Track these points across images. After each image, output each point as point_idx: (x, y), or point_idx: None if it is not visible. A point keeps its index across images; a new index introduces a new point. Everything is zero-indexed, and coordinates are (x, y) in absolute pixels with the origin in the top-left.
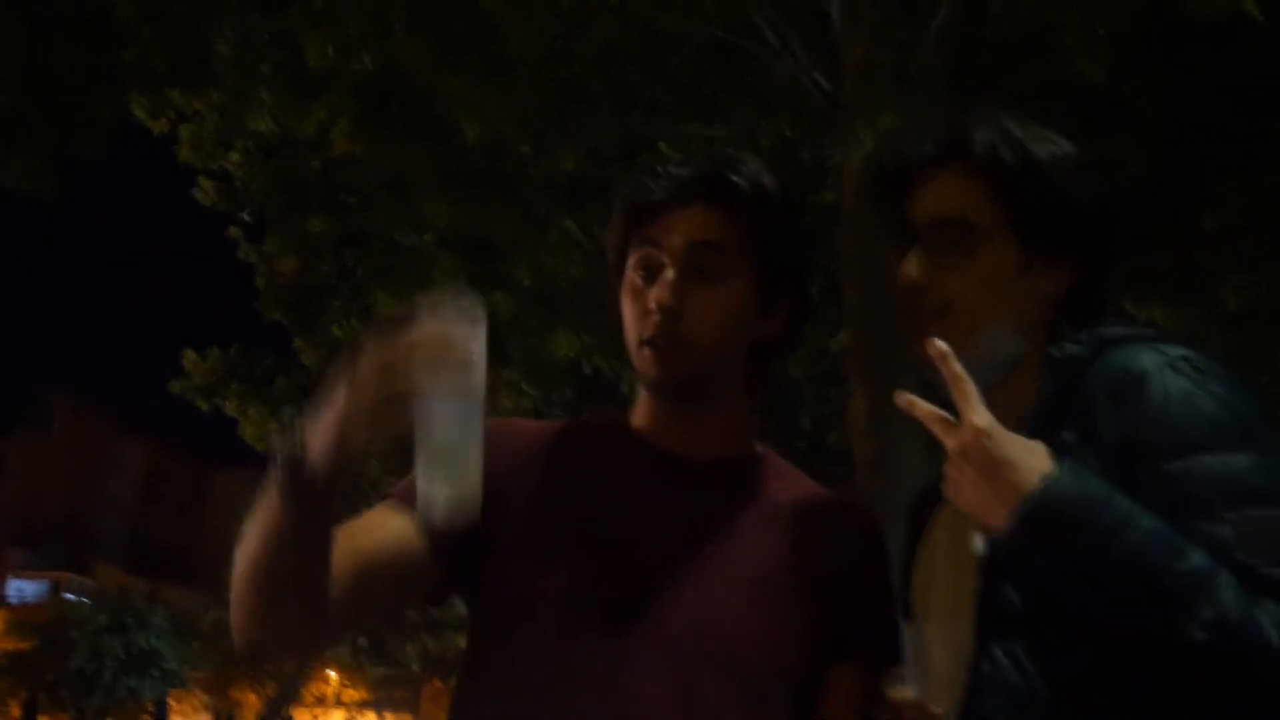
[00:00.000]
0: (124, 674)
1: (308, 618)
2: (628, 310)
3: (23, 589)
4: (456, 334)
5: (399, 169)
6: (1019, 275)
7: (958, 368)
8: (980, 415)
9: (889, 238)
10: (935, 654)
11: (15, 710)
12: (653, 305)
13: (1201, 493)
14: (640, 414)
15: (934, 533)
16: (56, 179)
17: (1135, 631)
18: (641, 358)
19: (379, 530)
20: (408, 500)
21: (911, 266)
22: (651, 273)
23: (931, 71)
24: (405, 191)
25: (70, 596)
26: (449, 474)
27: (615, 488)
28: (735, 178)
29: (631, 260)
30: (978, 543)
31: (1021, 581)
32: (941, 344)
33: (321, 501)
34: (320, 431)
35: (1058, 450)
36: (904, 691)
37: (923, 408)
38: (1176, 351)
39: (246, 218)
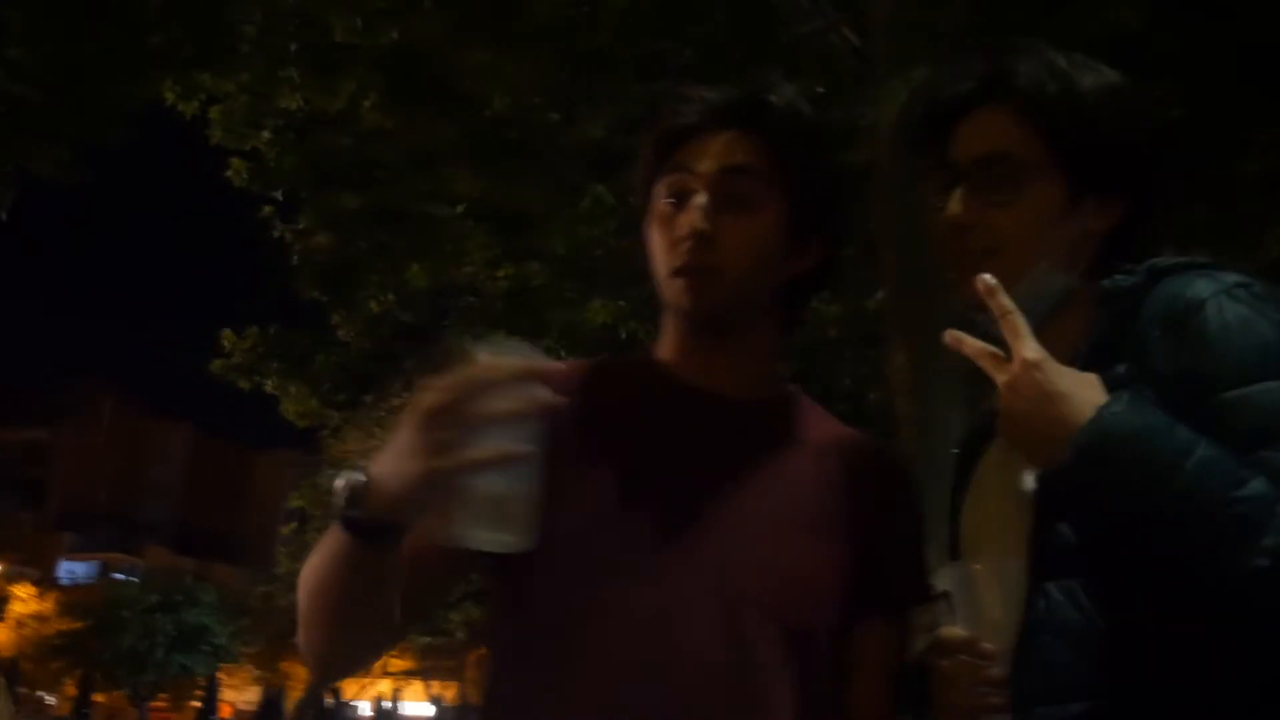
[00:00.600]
0: (175, 651)
1: (378, 641)
2: (657, 238)
3: (74, 571)
4: (512, 380)
5: (428, 142)
6: (1067, 211)
7: (1006, 301)
8: (1031, 348)
9: (929, 181)
10: (986, 594)
11: (71, 688)
12: (685, 232)
13: (1262, 420)
14: (668, 348)
15: (982, 472)
16: (87, 167)
17: (1196, 563)
18: (673, 287)
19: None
20: None
21: (956, 204)
22: (682, 199)
23: (961, 25)
24: (436, 165)
25: (120, 577)
26: (496, 523)
27: (649, 426)
28: (771, 100)
29: (660, 187)
30: (1029, 480)
31: (1076, 517)
32: (990, 278)
33: (388, 543)
34: (386, 473)
35: (1113, 384)
36: (955, 631)
37: (971, 344)
38: (1232, 278)
39: (279, 197)
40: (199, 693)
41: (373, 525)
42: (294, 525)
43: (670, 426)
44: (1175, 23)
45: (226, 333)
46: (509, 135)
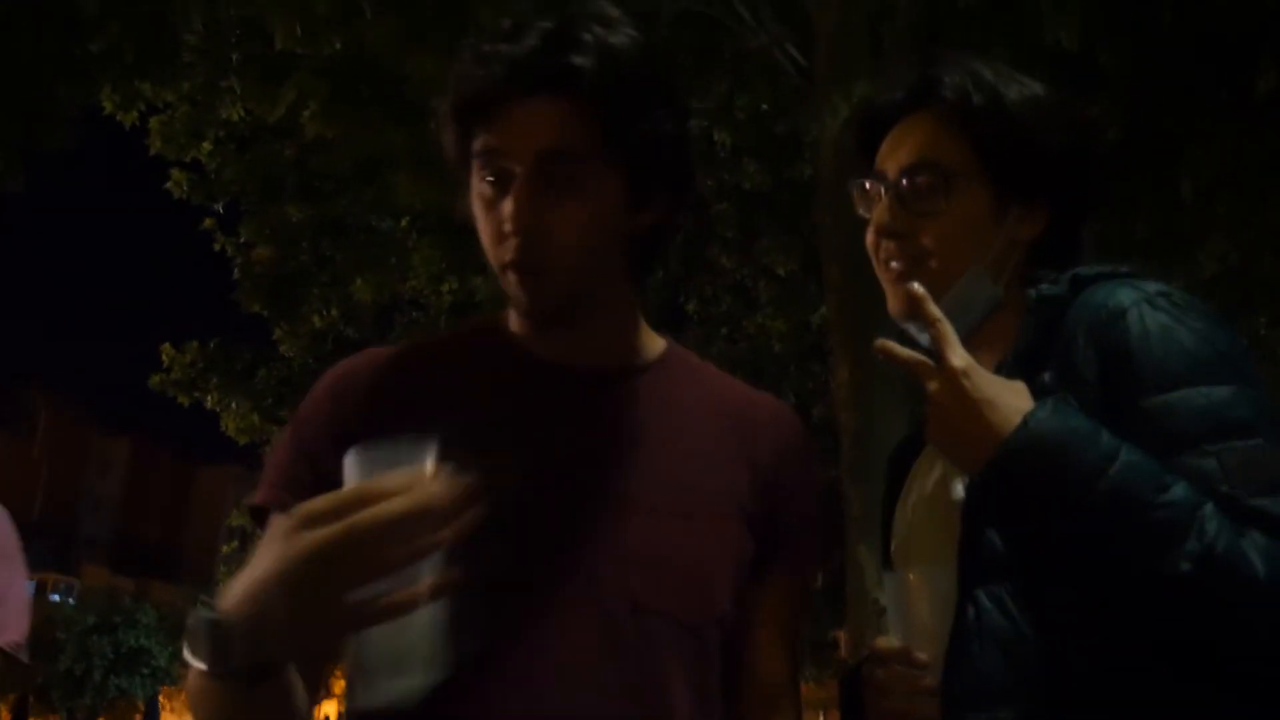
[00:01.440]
0: (113, 673)
1: None
2: (482, 225)
3: None
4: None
5: (372, 152)
6: (994, 219)
7: (935, 310)
8: (959, 356)
9: (860, 190)
10: (918, 602)
11: (4, 713)
12: (509, 226)
13: (1184, 426)
14: (520, 321)
15: (913, 482)
16: (25, 173)
17: (1120, 568)
18: (507, 282)
19: None
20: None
21: (883, 213)
22: (502, 180)
23: (904, 40)
24: (380, 176)
25: (56, 598)
26: (396, 672)
27: (503, 409)
28: (579, 59)
29: (476, 164)
30: (958, 488)
31: (1004, 524)
32: (918, 287)
33: (270, 678)
34: (253, 614)
35: (1038, 391)
36: (888, 640)
37: (900, 352)
38: (1154, 287)
39: (220, 209)
40: (138, 717)
41: (248, 671)
42: (235, 544)
43: (525, 407)
44: (1112, 42)
45: (165, 347)
46: None
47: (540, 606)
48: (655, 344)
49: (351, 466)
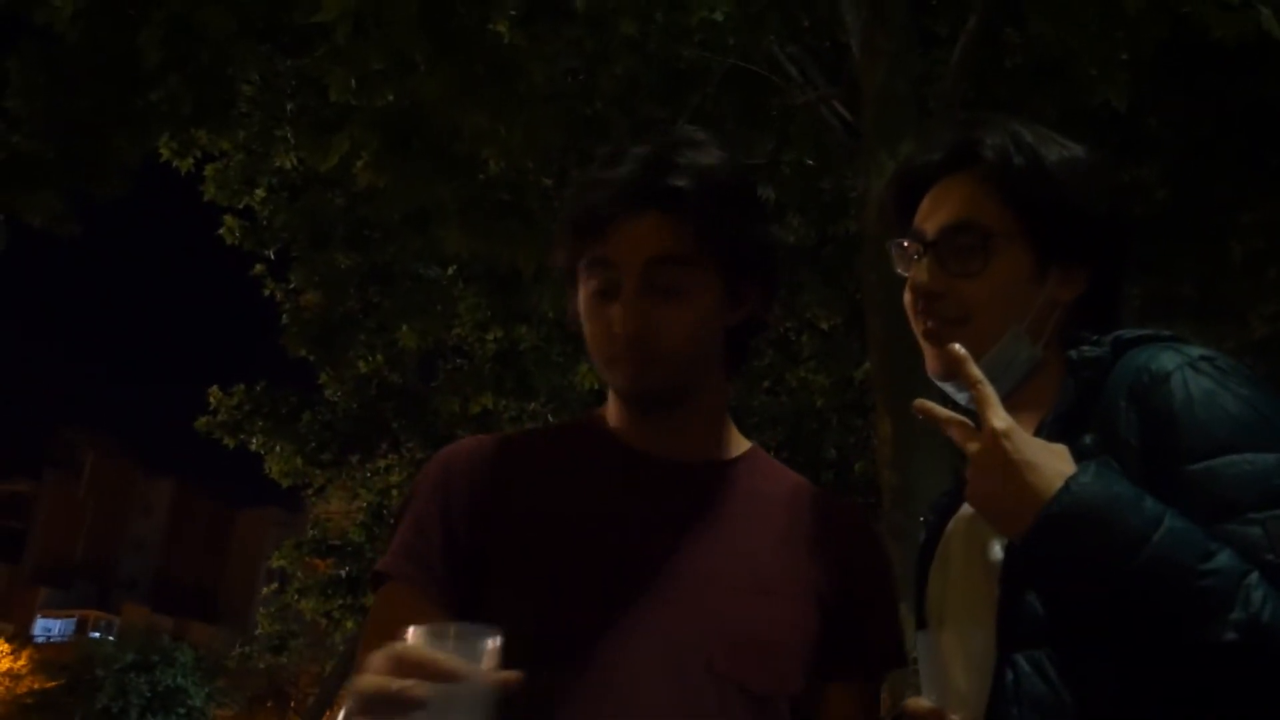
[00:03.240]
0: (149, 712)
1: None
2: (590, 329)
3: (49, 628)
4: (465, 673)
5: (421, 202)
6: (1034, 280)
7: (975, 371)
8: (1000, 418)
9: (900, 250)
10: (953, 664)
11: None
12: (619, 329)
13: (1228, 493)
14: (615, 414)
15: (950, 540)
16: (79, 218)
17: (1163, 636)
18: (612, 372)
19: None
20: (409, 574)
21: (923, 273)
22: (610, 287)
23: (950, 101)
24: (428, 226)
25: (96, 635)
26: None
27: (598, 495)
28: (679, 182)
29: (585, 276)
30: (996, 549)
31: (1044, 588)
32: (959, 348)
33: None
34: None
35: (1080, 454)
36: (921, 702)
37: (940, 413)
38: (1196, 351)
39: (271, 255)
40: None
41: None
42: (274, 585)
43: (620, 494)
44: (1161, 104)
45: (213, 389)
46: (501, 197)
47: (621, 670)
48: (741, 443)
49: (417, 637)
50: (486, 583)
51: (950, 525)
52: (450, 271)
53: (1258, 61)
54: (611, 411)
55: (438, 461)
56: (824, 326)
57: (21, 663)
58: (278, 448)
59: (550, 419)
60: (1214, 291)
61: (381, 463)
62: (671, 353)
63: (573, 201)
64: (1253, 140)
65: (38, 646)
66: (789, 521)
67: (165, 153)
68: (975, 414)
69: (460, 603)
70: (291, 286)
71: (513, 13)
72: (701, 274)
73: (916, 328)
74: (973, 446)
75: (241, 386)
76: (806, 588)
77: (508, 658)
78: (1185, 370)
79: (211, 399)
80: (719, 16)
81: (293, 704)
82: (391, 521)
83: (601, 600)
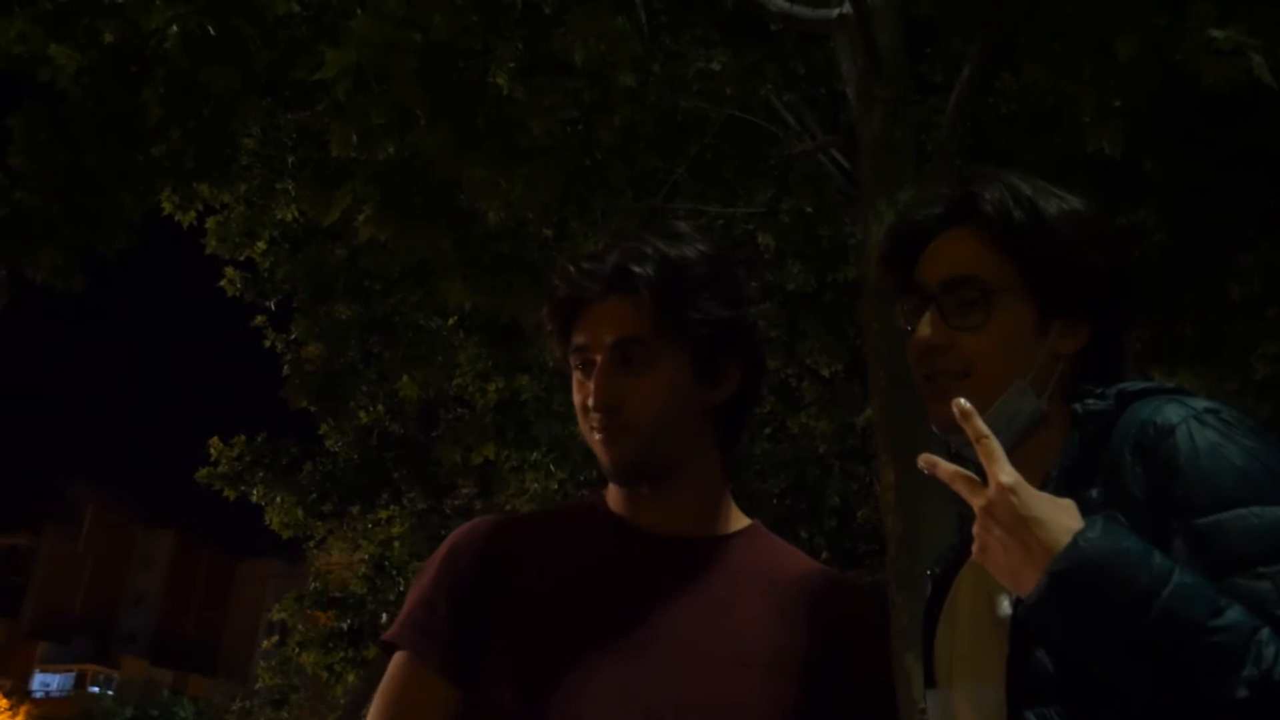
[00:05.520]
0: None
1: None
2: (576, 403)
3: (48, 683)
4: None
5: (422, 255)
6: (1036, 333)
7: (981, 425)
8: (1007, 473)
9: (901, 303)
10: None
11: None
12: (590, 404)
13: (1237, 547)
14: (612, 492)
15: (956, 597)
16: (83, 273)
17: (1174, 693)
18: (596, 449)
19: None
20: (419, 647)
21: (926, 327)
22: (588, 367)
23: (948, 148)
24: (429, 277)
25: (95, 690)
26: None
27: (593, 570)
28: (639, 269)
29: (572, 358)
30: (1004, 605)
31: (1054, 644)
32: (965, 403)
33: None
34: None
35: (1086, 508)
36: None
37: (945, 467)
38: (1201, 404)
39: (272, 306)
40: None
41: None
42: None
43: (608, 566)
44: (1158, 148)
45: (214, 440)
46: (502, 249)
47: None
48: (740, 519)
49: None
50: (486, 652)
51: (956, 580)
52: (451, 322)
53: (1250, 105)
54: (610, 490)
55: (449, 540)
56: (825, 373)
57: (20, 718)
58: (278, 499)
59: (552, 469)
60: (1214, 333)
61: (383, 514)
62: (640, 422)
63: (553, 289)
64: (1249, 182)
65: (36, 702)
66: (783, 598)
67: (168, 206)
68: (977, 465)
69: (462, 671)
70: (293, 338)
71: (511, 65)
72: (668, 350)
73: (919, 382)
74: (979, 502)
75: (242, 437)
76: (792, 663)
77: None
78: (1191, 423)
79: (212, 450)
80: (716, 66)
81: None
82: (394, 575)
83: (580, 666)
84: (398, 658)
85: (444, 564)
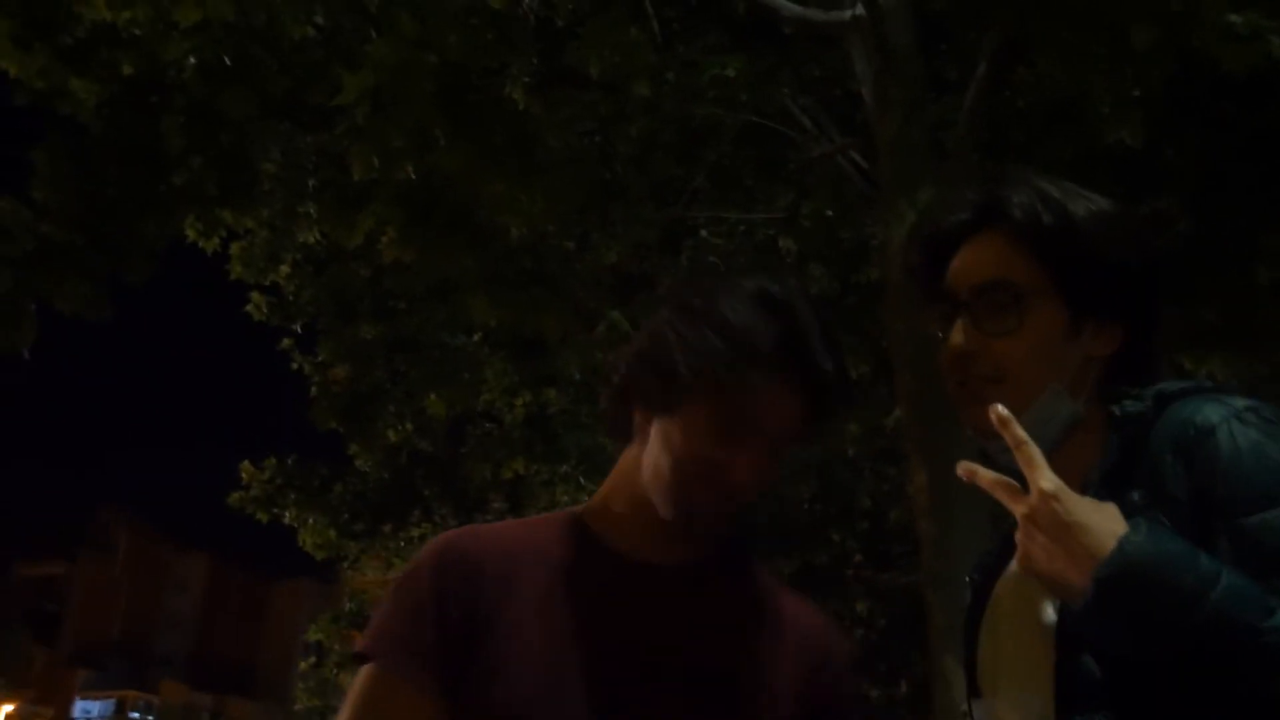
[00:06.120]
0: None
1: None
2: (693, 464)
3: (89, 709)
4: None
5: (445, 273)
6: (1069, 337)
7: (1020, 432)
8: (1048, 479)
9: (929, 310)
10: None
11: None
12: (741, 478)
13: None
14: (599, 514)
15: (998, 604)
16: (110, 302)
17: (1226, 695)
18: (691, 521)
19: None
20: (404, 668)
21: (958, 334)
22: (734, 445)
23: (966, 145)
24: (453, 295)
25: (135, 715)
26: None
27: (576, 596)
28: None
29: (707, 414)
30: (1049, 611)
31: (1101, 649)
32: (1002, 409)
33: None
34: None
35: (1128, 511)
36: None
37: (986, 475)
38: (1241, 403)
39: (298, 329)
40: None
41: None
42: (312, 659)
43: (593, 593)
44: (1178, 135)
45: (244, 464)
46: (524, 263)
47: None
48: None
49: None
50: (468, 676)
51: (997, 587)
52: (476, 338)
53: (1271, 88)
54: (595, 511)
55: (431, 551)
56: (852, 374)
57: None
58: (311, 520)
59: (582, 481)
60: (1242, 318)
61: (415, 531)
62: (746, 503)
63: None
64: (1271, 166)
65: None
66: (757, 617)
67: (191, 234)
68: (1011, 469)
69: (445, 692)
70: (319, 360)
71: (527, 81)
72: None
73: (951, 389)
74: (1021, 509)
75: (273, 460)
76: (772, 677)
77: None
78: (1232, 422)
79: (243, 474)
80: (730, 72)
81: None
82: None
83: (559, 694)
84: (376, 675)
85: (423, 577)
